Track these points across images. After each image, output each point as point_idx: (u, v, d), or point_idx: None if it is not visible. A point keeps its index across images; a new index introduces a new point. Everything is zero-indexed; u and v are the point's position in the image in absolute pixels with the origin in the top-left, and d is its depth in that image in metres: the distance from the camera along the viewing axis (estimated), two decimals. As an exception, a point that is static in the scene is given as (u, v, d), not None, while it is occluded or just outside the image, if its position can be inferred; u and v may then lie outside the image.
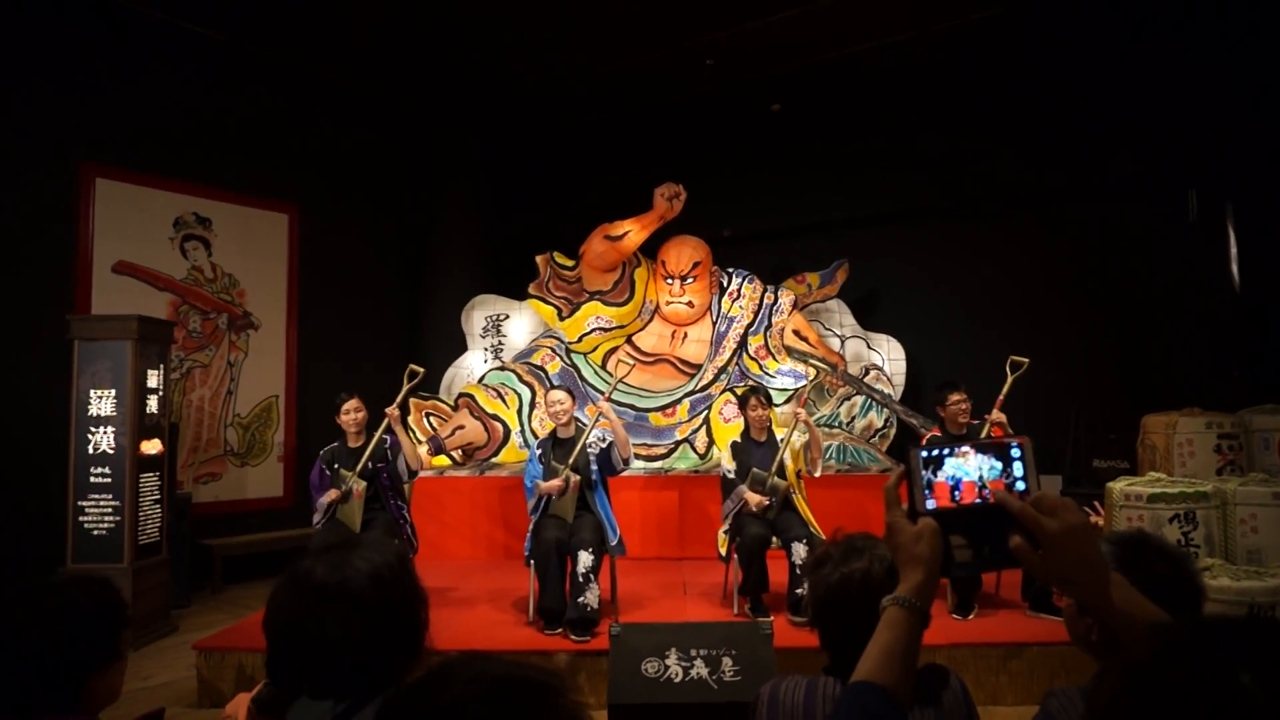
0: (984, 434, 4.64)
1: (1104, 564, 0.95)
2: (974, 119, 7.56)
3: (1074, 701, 1.40)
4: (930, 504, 0.99)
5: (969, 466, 1.00)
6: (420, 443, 7.03)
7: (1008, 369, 4.84)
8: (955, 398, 4.73)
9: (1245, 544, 4.20)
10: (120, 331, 5.29)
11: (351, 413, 4.73)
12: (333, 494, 4.55)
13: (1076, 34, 6.79)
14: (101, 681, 1.47)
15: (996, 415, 4.69)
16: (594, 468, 4.67)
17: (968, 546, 0.99)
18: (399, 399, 4.77)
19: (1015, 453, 1.01)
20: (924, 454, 1.01)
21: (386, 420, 4.68)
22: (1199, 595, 1.53)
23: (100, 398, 5.24)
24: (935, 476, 1.00)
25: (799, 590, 4.34)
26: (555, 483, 4.52)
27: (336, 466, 4.67)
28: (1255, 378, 5.97)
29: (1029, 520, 0.94)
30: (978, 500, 0.99)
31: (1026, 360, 4.85)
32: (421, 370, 4.94)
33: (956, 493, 1.00)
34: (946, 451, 1.01)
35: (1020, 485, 1.00)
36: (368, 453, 4.61)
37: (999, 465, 1.00)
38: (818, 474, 4.92)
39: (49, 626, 1.41)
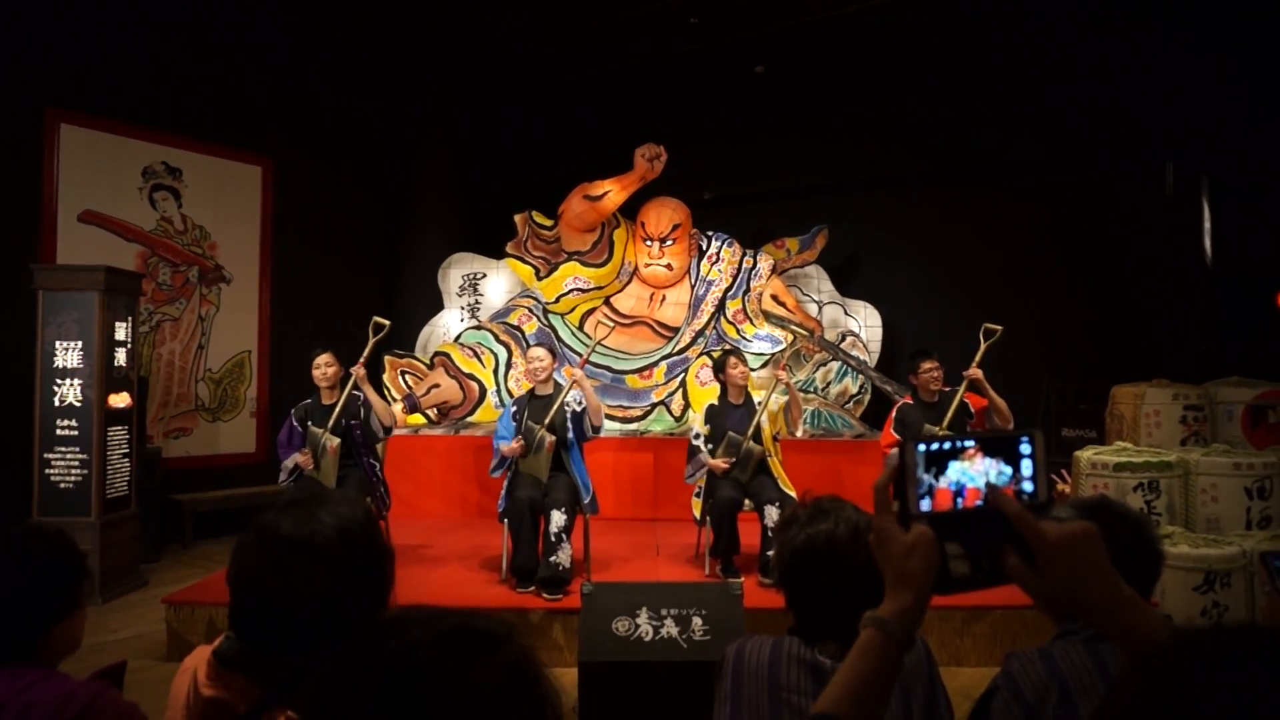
0: (958, 398, 4.68)
1: (1114, 578, 0.81)
2: (956, 88, 7.53)
3: (1034, 663, 1.43)
4: (925, 505, 0.86)
5: (975, 471, 0.87)
6: (395, 400, 6.99)
7: (981, 336, 4.88)
8: (928, 365, 4.77)
9: (1205, 513, 4.29)
10: (87, 282, 5.18)
11: (323, 367, 4.68)
12: (302, 457, 4.51)
13: (1059, 6, 6.75)
14: (61, 632, 1.46)
15: (973, 371, 4.70)
16: (570, 426, 4.67)
17: (964, 558, 0.86)
18: (365, 353, 4.72)
19: (1025, 448, 0.88)
20: (923, 448, 0.87)
21: (353, 378, 4.64)
22: (1158, 560, 1.55)
23: (66, 349, 5.14)
24: (937, 482, 0.86)
25: (770, 552, 4.39)
26: (514, 444, 4.52)
27: (309, 423, 4.63)
28: (1223, 351, 6.06)
29: (1026, 525, 0.81)
30: (979, 502, 0.86)
31: (1000, 328, 4.89)
32: (387, 323, 4.87)
33: (959, 501, 0.86)
34: (949, 447, 0.87)
35: (1027, 486, 0.87)
36: (338, 408, 4.57)
37: (1009, 470, 0.87)
38: (799, 434, 4.94)
39: (4, 578, 1.40)
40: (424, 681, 0.65)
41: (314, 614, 1.11)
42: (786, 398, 4.86)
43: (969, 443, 0.87)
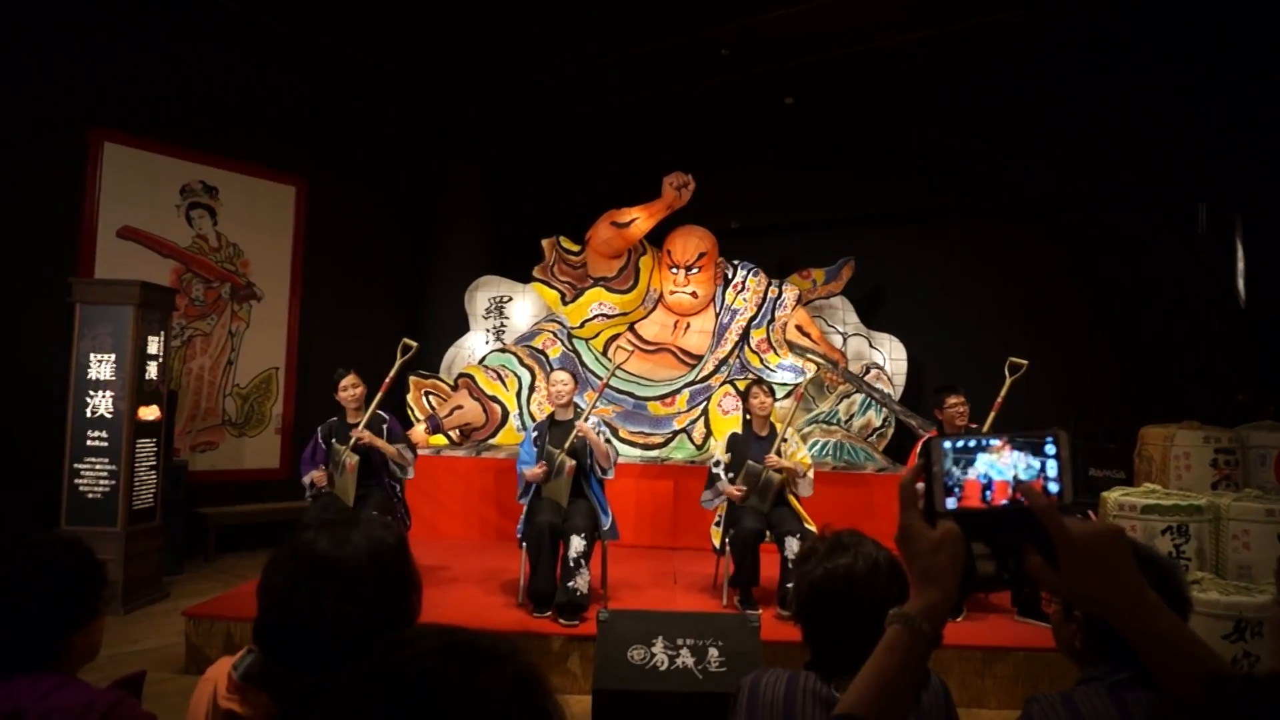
0: (989, 420, 4.64)
1: (1138, 581, 0.80)
2: (986, 122, 7.52)
3: (1055, 708, 1.40)
4: (951, 503, 0.85)
5: (1004, 465, 0.86)
6: (419, 420, 7.04)
7: (1006, 371, 4.84)
8: (953, 400, 4.73)
9: (1236, 559, 4.20)
10: (122, 296, 5.28)
11: (349, 389, 4.73)
12: (318, 473, 4.55)
13: (1091, 41, 6.75)
14: (81, 639, 1.48)
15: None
16: (589, 453, 4.67)
17: (990, 557, 0.85)
18: (392, 373, 4.79)
19: (1050, 448, 0.86)
20: (950, 444, 0.87)
21: (386, 381, 4.69)
22: (1186, 606, 1.53)
23: (100, 362, 5.24)
24: (965, 474, 0.86)
25: (789, 585, 4.35)
26: (537, 470, 4.53)
27: (334, 441, 4.68)
28: (1259, 398, 5.95)
29: (1051, 520, 0.81)
30: (1006, 501, 0.85)
31: (1025, 362, 4.85)
32: (415, 345, 4.94)
33: (988, 494, 0.85)
34: (978, 444, 0.86)
35: (1053, 486, 0.85)
36: (360, 427, 4.61)
37: (1036, 465, 0.86)
38: (808, 493, 4.81)
39: (24, 585, 1.42)
40: (428, 687, 0.67)
41: (340, 635, 1.12)
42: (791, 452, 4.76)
43: (995, 440, 0.87)
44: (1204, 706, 0.56)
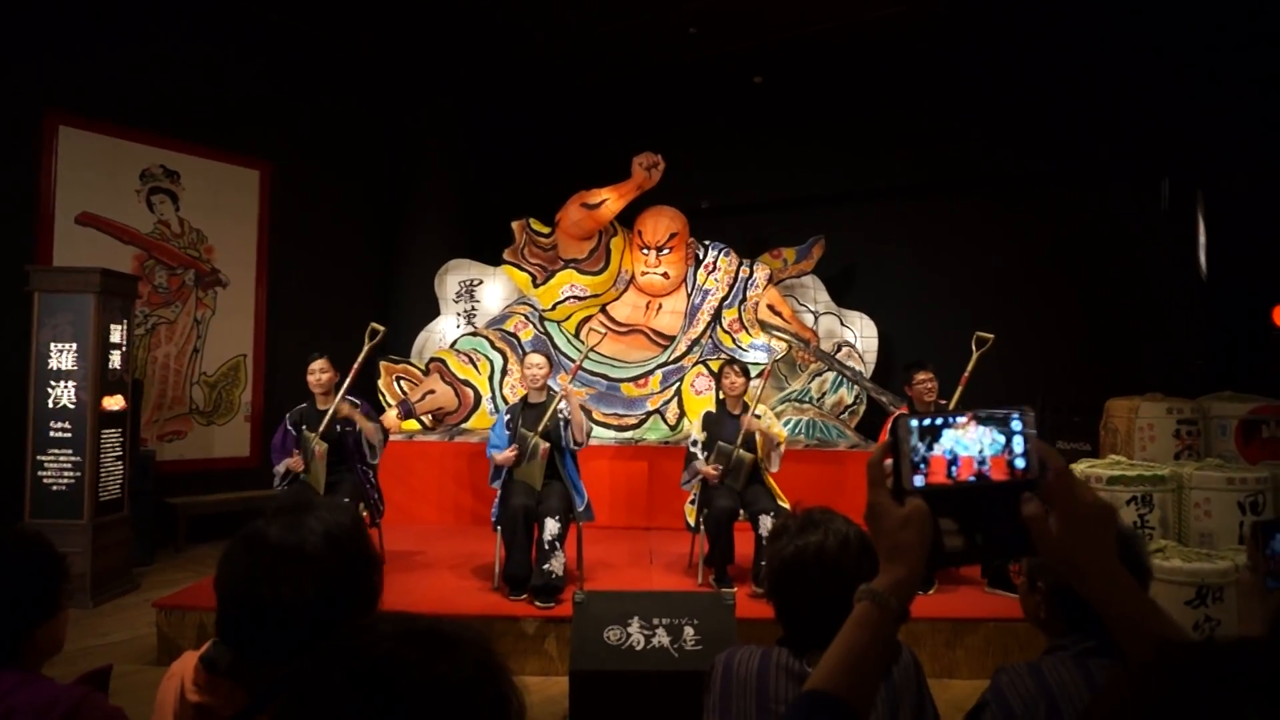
0: (956, 396, 4.69)
1: (1115, 559, 0.84)
2: (954, 100, 7.56)
3: (1023, 677, 1.43)
4: (918, 481, 0.86)
5: (968, 440, 0.87)
6: (390, 406, 6.98)
7: (973, 345, 4.89)
8: (921, 376, 4.77)
9: (1198, 527, 4.29)
10: (82, 284, 5.17)
11: (318, 373, 4.68)
12: (293, 461, 4.51)
13: (1057, 19, 6.78)
14: (43, 634, 1.45)
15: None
16: (564, 433, 4.67)
17: (958, 533, 0.87)
18: (360, 358, 4.75)
19: (1016, 425, 0.88)
20: (916, 423, 0.88)
21: (355, 365, 4.66)
22: (1145, 575, 1.56)
23: (61, 351, 5.13)
24: (931, 450, 0.87)
25: (763, 563, 4.38)
26: (507, 453, 4.52)
27: (303, 428, 4.63)
28: (1217, 366, 6.08)
29: (1061, 485, 0.83)
30: (972, 478, 0.87)
31: (991, 336, 4.90)
32: (382, 329, 4.90)
33: (953, 469, 0.87)
34: (944, 421, 0.87)
35: (1020, 463, 0.87)
36: (328, 417, 4.57)
37: (1001, 439, 0.87)
38: (775, 469, 4.85)
39: None
40: (388, 671, 0.67)
41: (302, 621, 1.11)
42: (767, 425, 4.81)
43: (961, 417, 0.88)
44: (1158, 671, 0.58)
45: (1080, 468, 4.50)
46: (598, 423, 6.80)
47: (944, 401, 4.81)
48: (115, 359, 5.36)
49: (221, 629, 1.18)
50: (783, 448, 4.80)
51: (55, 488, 5.08)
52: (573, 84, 8.66)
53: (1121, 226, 6.83)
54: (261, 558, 1.14)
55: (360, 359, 4.74)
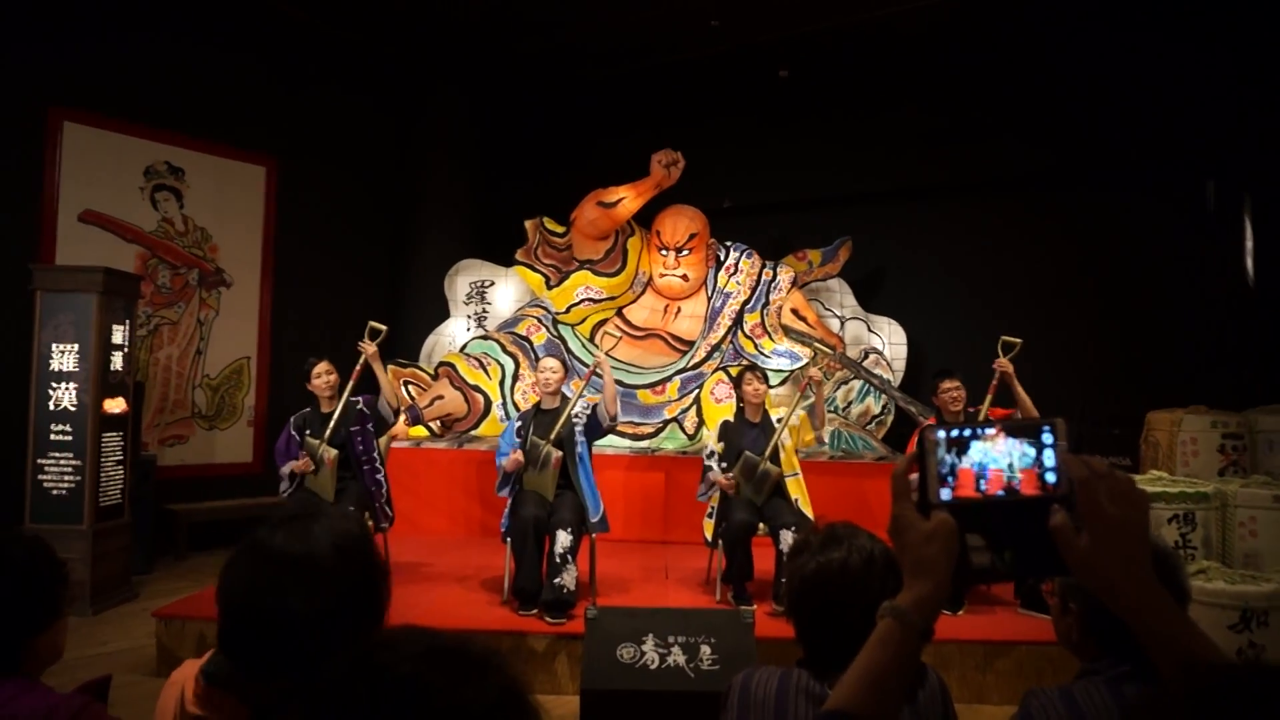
0: (982, 415, 4.66)
1: (1149, 568, 0.83)
2: (988, 96, 7.52)
3: (1054, 702, 1.42)
4: (945, 494, 0.87)
5: (998, 453, 0.88)
6: (404, 407, 7.03)
7: (999, 349, 4.84)
8: (948, 385, 4.74)
9: (1243, 547, 4.24)
10: (85, 283, 5.24)
11: (323, 376, 4.73)
12: (300, 464, 4.55)
13: (1097, 12, 6.75)
14: (43, 642, 1.47)
15: (1004, 364, 4.67)
16: (579, 440, 4.68)
17: (986, 549, 0.87)
18: (362, 359, 4.80)
19: (1047, 437, 0.88)
20: (944, 434, 0.89)
21: (362, 358, 4.70)
22: (1184, 596, 1.54)
23: (63, 352, 5.20)
24: (959, 462, 0.88)
25: (784, 579, 4.37)
26: (514, 455, 4.53)
27: (307, 433, 4.67)
28: (1267, 378, 6.01)
29: (1086, 495, 0.83)
30: (1001, 492, 0.87)
31: (1019, 340, 4.83)
32: (384, 328, 4.95)
33: (982, 483, 0.87)
34: (972, 433, 0.88)
35: (1050, 477, 0.87)
36: (336, 417, 4.61)
37: (1032, 452, 0.88)
38: (826, 436, 4.92)
39: None
40: (410, 695, 0.67)
41: (308, 634, 1.11)
42: (810, 402, 4.86)
43: (990, 429, 0.89)
44: (1187, 694, 0.58)
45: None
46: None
47: (973, 410, 4.78)
48: (117, 360, 5.42)
49: (223, 641, 1.19)
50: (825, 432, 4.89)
51: (55, 492, 5.15)
52: (589, 78, 8.69)
53: (1164, 229, 6.76)
54: (266, 567, 1.14)
55: (362, 361, 4.79)
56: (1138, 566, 0.83)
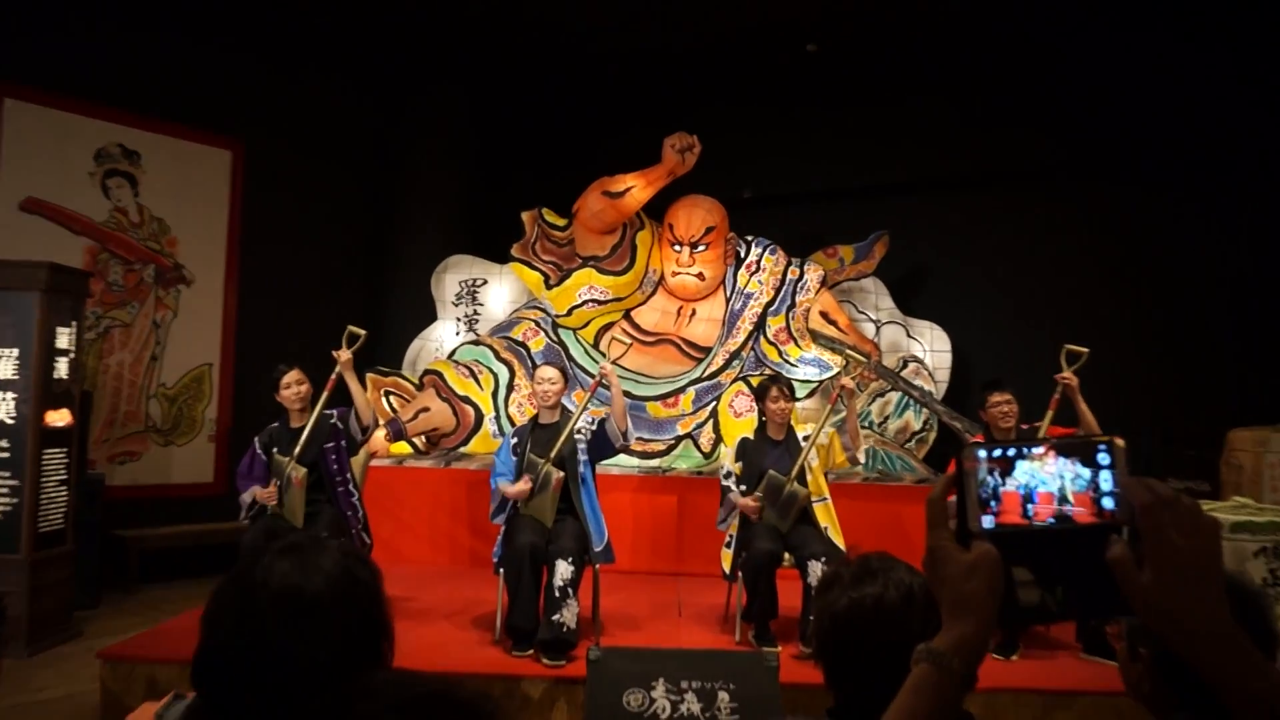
0: (1046, 420, 4.63)
1: (1224, 613, 0.80)
2: (1044, 76, 7.49)
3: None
4: (988, 521, 0.86)
5: (1048, 474, 0.86)
6: (378, 425, 7.03)
7: (1063, 360, 4.81)
8: (997, 398, 4.73)
9: (1341, 585, 4.20)
10: (26, 281, 5.26)
11: (293, 386, 4.73)
12: (264, 493, 4.55)
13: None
14: None
15: (1068, 377, 4.64)
16: (582, 459, 4.68)
17: (1034, 584, 0.86)
18: (336, 372, 4.78)
19: (1103, 458, 0.86)
20: (985, 453, 0.88)
21: (336, 370, 4.70)
22: (1271, 641, 1.52)
23: (0, 359, 5.22)
24: (1003, 484, 0.87)
25: (812, 617, 4.35)
26: (520, 485, 4.52)
27: (275, 450, 4.67)
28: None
29: (1152, 520, 0.80)
30: (1052, 520, 0.86)
31: (1085, 350, 4.81)
32: (363, 333, 4.96)
33: (1029, 508, 0.86)
34: (1017, 451, 0.87)
35: (1108, 502, 0.86)
36: (306, 433, 4.61)
37: (1087, 474, 0.86)
38: (861, 457, 4.93)
39: None
40: None
41: (305, 681, 1.10)
42: (841, 417, 4.84)
43: (1037, 447, 0.88)
44: None
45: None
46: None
47: (1026, 426, 4.75)
48: (62, 367, 5.44)
49: (202, 678, 1.17)
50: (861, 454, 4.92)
51: (-11, 516, 5.16)
52: (595, 56, 8.70)
53: (1248, 226, 6.73)
54: (268, 601, 1.13)
55: (337, 370, 4.79)
56: (1208, 606, 0.80)
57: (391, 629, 1.24)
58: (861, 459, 4.92)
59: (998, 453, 0.88)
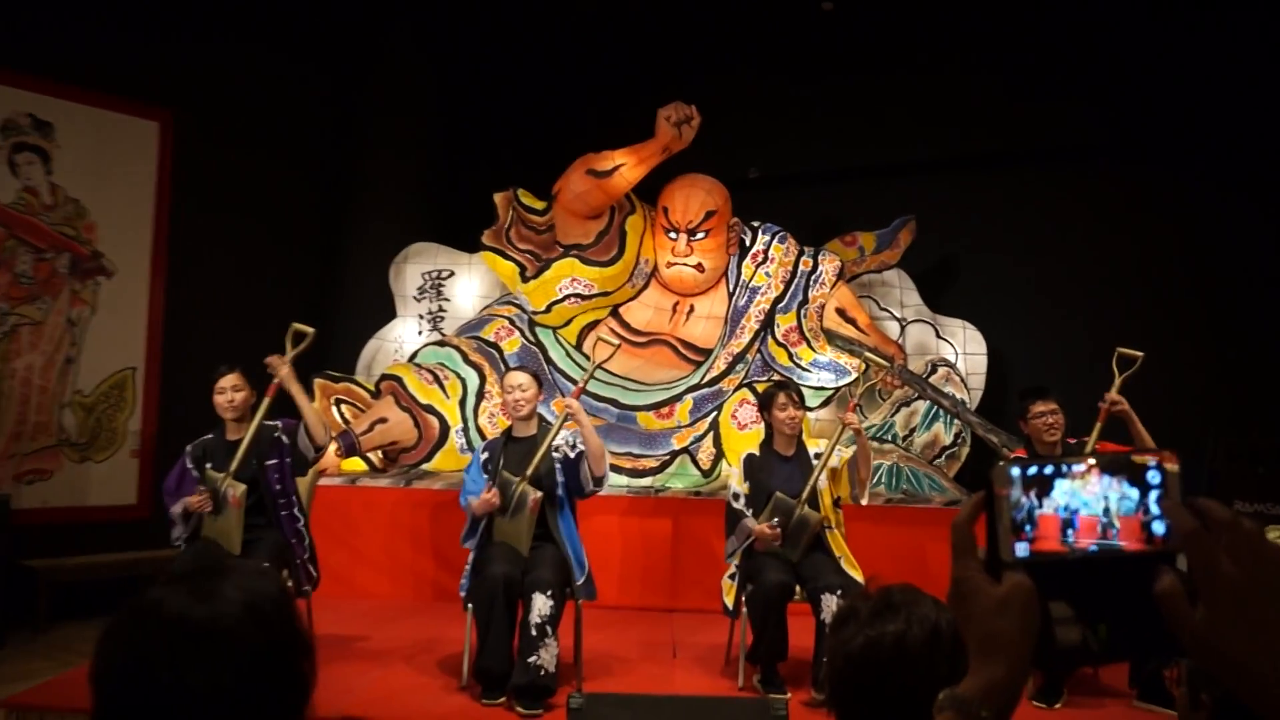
0: (1095, 433, 4.65)
1: None
2: (1092, 42, 7.50)
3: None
4: (1022, 549, 0.85)
5: (1090, 494, 0.86)
6: (332, 441, 7.02)
7: (1115, 367, 4.83)
8: (1040, 408, 4.73)
9: None
10: (-79, 271, 5.25)
11: (229, 392, 4.71)
12: (196, 500, 4.51)
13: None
14: None
15: (1114, 397, 4.67)
16: (560, 479, 4.67)
17: (1074, 621, 0.85)
18: (276, 381, 4.75)
19: (1154, 477, 0.86)
20: (1018, 471, 0.87)
21: (275, 381, 4.65)
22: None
23: (-109, 360, 5.21)
24: (1040, 506, 0.86)
25: (825, 659, 4.35)
26: (487, 496, 4.52)
27: (209, 466, 4.65)
28: None
29: (1201, 549, 0.79)
30: (1094, 546, 0.85)
31: (1140, 354, 4.83)
32: (310, 331, 4.93)
33: (1070, 533, 0.86)
34: (1055, 469, 0.87)
35: (1158, 527, 0.85)
36: (244, 445, 4.58)
37: (1135, 494, 0.86)
38: (864, 501, 4.94)
39: None
40: None
41: (218, 716, 1.10)
42: (852, 450, 4.85)
43: (1079, 465, 0.87)
44: None
45: (1271, 537, 4.43)
46: (605, 466, 6.81)
47: (1074, 441, 4.76)
48: (-38, 371, 5.42)
49: None
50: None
51: (-122, 542, 5.14)
52: (578, 15, 8.70)
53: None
54: (160, 634, 1.13)
55: (276, 380, 4.76)
56: (1271, 645, 0.79)
57: (312, 647, 1.23)
58: (864, 502, 4.93)
59: (1033, 470, 0.87)
